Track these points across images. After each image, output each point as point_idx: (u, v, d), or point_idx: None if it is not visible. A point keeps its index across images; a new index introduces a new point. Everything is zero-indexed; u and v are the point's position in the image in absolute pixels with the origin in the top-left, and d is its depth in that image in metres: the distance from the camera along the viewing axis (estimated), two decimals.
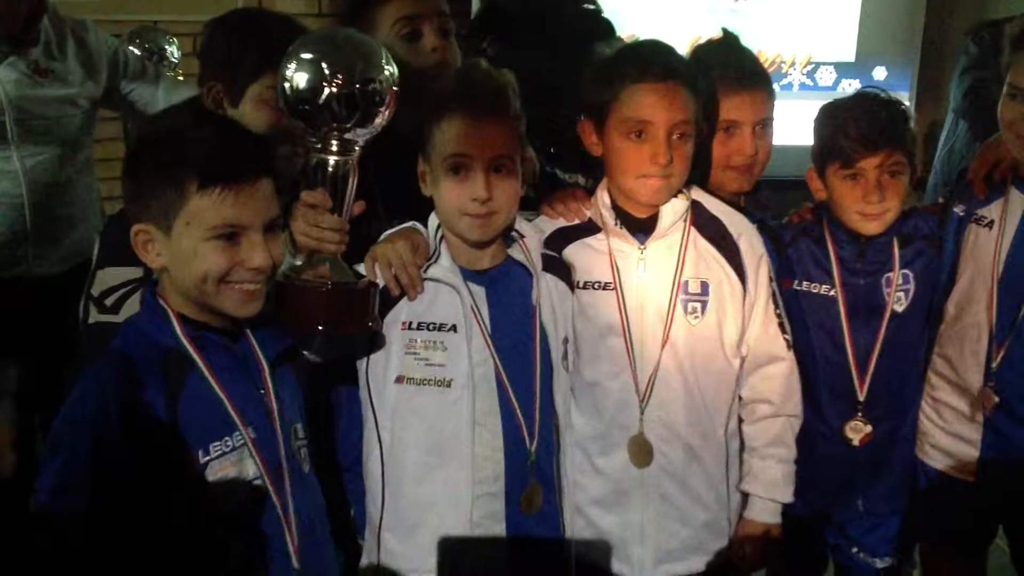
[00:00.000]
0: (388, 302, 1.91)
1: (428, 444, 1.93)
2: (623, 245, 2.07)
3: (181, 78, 3.67)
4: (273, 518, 1.67)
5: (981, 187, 2.38)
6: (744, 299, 2.09)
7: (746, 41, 2.48)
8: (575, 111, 2.11)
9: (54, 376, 2.30)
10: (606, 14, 2.87)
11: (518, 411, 1.93)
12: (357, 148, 1.75)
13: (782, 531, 2.18)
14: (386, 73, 1.72)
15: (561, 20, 2.74)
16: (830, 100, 2.38)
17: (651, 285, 2.06)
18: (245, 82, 2.05)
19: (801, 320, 2.27)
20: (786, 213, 2.46)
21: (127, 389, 1.55)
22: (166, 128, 1.68)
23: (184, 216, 1.57)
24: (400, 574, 1.97)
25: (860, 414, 2.33)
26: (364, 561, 2.03)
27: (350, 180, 1.76)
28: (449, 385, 1.90)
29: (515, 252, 1.99)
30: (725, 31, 2.45)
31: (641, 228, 2.07)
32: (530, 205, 2.14)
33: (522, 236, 2.01)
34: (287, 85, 1.69)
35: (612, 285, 2.06)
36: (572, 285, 2.07)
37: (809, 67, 5.66)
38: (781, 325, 2.17)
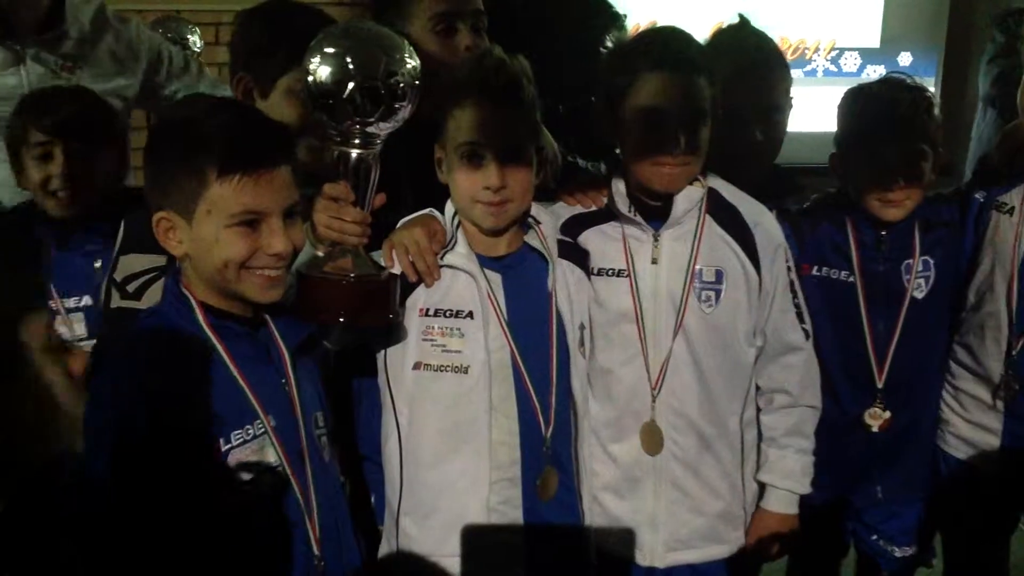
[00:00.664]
0: (405, 289, 1.92)
1: (445, 430, 1.94)
2: (637, 232, 2.08)
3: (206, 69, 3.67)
4: (294, 505, 1.69)
5: (1004, 173, 2.36)
6: (760, 288, 2.09)
7: (770, 27, 2.47)
8: (583, 100, 2.11)
9: None
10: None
11: (534, 397, 1.94)
12: (379, 141, 1.76)
13: (799, 522, 2.18)
14: (409, 67, 1.72)
15: (565, 9, 2.73)
16: (851, 87, 2.38)
17: (665, 273, 2.06)
18: (275, 74, 2.06)
19: (820, 306, 2.26)
20: (809, 200, 2.44)
21: (150, 377, 1.57)
22: (184, 115, 1.69)
23: (204, 204, 1.59)
24: (418, 558, 1.99)
25: (879, 401, 2.32)
26: (383, 546, 2.05)
27: (372, 173, 1.77)
28: (466, 371, 1.92)
29: (531, 239, 2.00)
30: (741, 17, 2.44)
31: (656, 216, 2.07)
32: (549, 196, 2.14)
33: (538, 222, 2.01)
34: (310, 79, 1.69)
35: (626, 272, 2.06)
36: (588, 271, 2.07)
37: (834, 53, 5.62)
38: (799, 315, 2.16)
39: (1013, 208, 2.34)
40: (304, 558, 1.70)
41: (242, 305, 1.68)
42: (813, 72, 5.52)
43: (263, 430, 1.65)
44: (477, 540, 1.94)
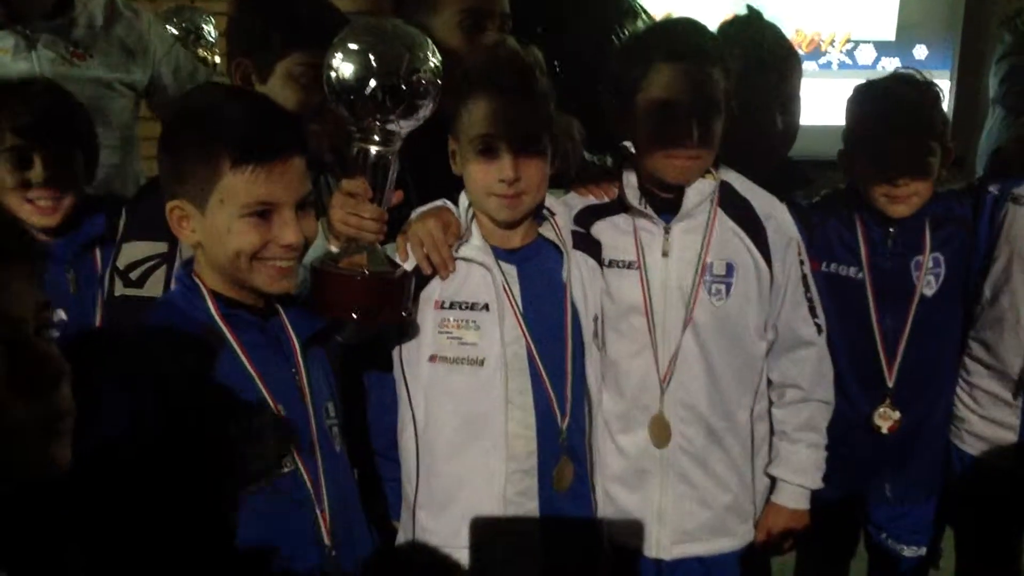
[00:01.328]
0: (420, 281, 1.93)
1: (461, 422, 1.95)
2: (648, 225, 2.08)
3: (218, 59, 3.66)
4: (304, 494, 1.68)
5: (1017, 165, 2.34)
6: (771, 282, 2.08)
7: (785, 19, 2.47)
8: (597, 92, 2.10)
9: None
10: None
11: (550, 389, 1.94)
12: (399, 139, 1.76)
13: (809, 517, 2.18)
14: (431, 65, 1.72)
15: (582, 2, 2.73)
16: (859, 83, 2.37)
17: (675, 266, 2.06)
18: (273, 59, 2.06)
19: (828, 303, 2.25)
20: (818, 195, 2.44)
21: (163, 367, 1.57)
22: (201, 104, 1.69)
23: (218, 193, 1.59)
24: (434, 550, 1.99)
25: (888, 400, 2.31)
26: (400, 538, 2.06)
27: (391, 170, 1.77)
28: (482, 364, 1.92)
29: (546, 230, 2.00)
30: (750, 8, 2.44)
31: (667, 208, 2.07)
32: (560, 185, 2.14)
33: (553, 214, 2.01)
34: (332, 75, 1.69)
35: (636, 264, 2.06)
36: (601, 263, 2.07)
37: (848, 45, 5.58)
38: (812, 309, 2.15)
39: None
40: (315, 547, 1.70)
41: (253, 295, 1.68)
42: (828, 65, 5.48)
43: (273, 420, 1.65)
44: (493, 531, 1.95)
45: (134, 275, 1.99)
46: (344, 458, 1.82)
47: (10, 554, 1.16)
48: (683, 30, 2.05)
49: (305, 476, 1.68)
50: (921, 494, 2.43)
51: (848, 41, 5.58)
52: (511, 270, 1.95)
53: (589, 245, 2.06)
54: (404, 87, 1.68)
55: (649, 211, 2.07)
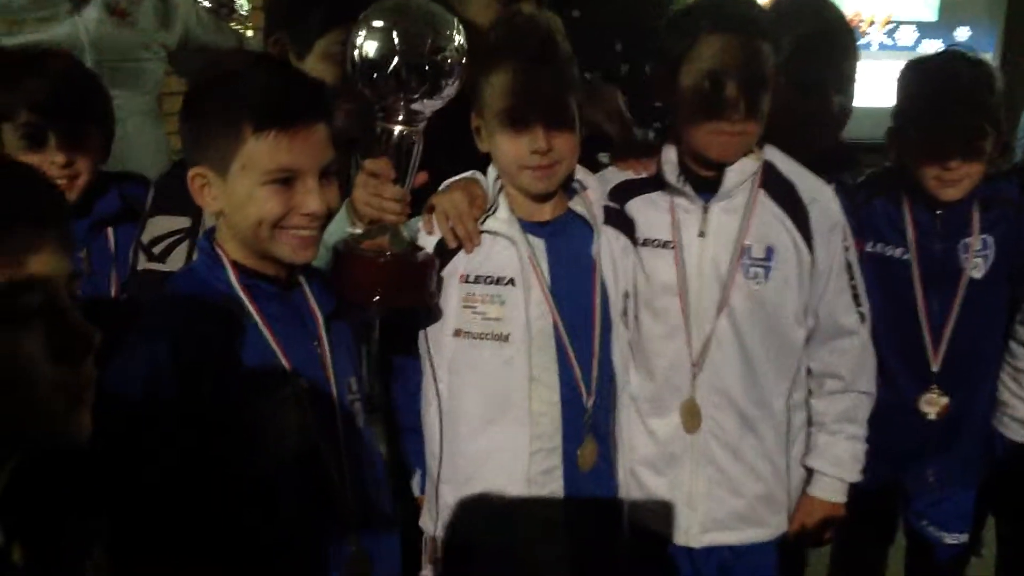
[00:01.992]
0: (445, 255, 1.90)
1: (485, 399, 1.92)
2: (686, 203, 2.02)
3: (251, 32, 3.63)
4: (324, 469, 1.66)
5: None
6: (812, 267, 2.03)
7: None
8: (634, 72, 2.06)
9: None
10: None
11: (576, 366, 1.91)
12: (423, 118, 1.73)
13: (846, 510, 2.13)
14: (456, 44, 1.69)
15: None
16: (911, 59, 2.31)
17: (712, 246, 2.01)
18: (312, 37, 2.03)
19: (873, 285, 2.19)
20: (865, 175, 2.39)
21: (180, 337, 1.55)
22: (223, 70, 1.65)
23: (239, 160, 1.56)
24: (457, 526, 1.97)
25: (935, 385, 2.26)
26: (424, 515, 2.04)
27: (415, 150, 1.74)
28: (507, 339, 1.89)
29: (576, 204, 1.95)
30: None
31: (706, 187, 2.01)
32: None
33: (584, 187, 1.96)
34: (356, 52, 1.67)
35: (671, 244, 2.01)
36: (634, 241, 2.03)
37: (889, 26, 5.50)
38: (855, 297, 2.09)
39: None
40: (336, 523, 1.68)
41: (275, 266, 1.65)
42: (868, 46, 5.40)
43: (294, 393, 1.62)
44: (517, 510, 1.92)
45: (157, 250, 1.98)
46: (368, 434, 1.79)
47: (25, 525, 1.14)
48: (733, 1, 1.99)
49: (325, 450, 1.65)
50: (964, 480, 2.38)
51: (889, 22, 5.51)
52: (539, 243, 1.91)
53: (622, 222, 2.01)
54: (428, 66, 1.66)
55: (688, 189, 2.01)
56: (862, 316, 2.09)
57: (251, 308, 1.62)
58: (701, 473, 2.04)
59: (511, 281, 1.88)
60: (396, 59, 1.64)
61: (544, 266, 1.90)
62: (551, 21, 1.87)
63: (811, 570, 2.65)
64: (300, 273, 1.69)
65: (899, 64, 2.31)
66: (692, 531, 2.06)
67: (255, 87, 1.57)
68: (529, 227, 1.92)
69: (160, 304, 1.65)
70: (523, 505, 1.91)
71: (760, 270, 2.00)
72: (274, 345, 1.62)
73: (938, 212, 2.23)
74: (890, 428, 2.21)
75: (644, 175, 2.06)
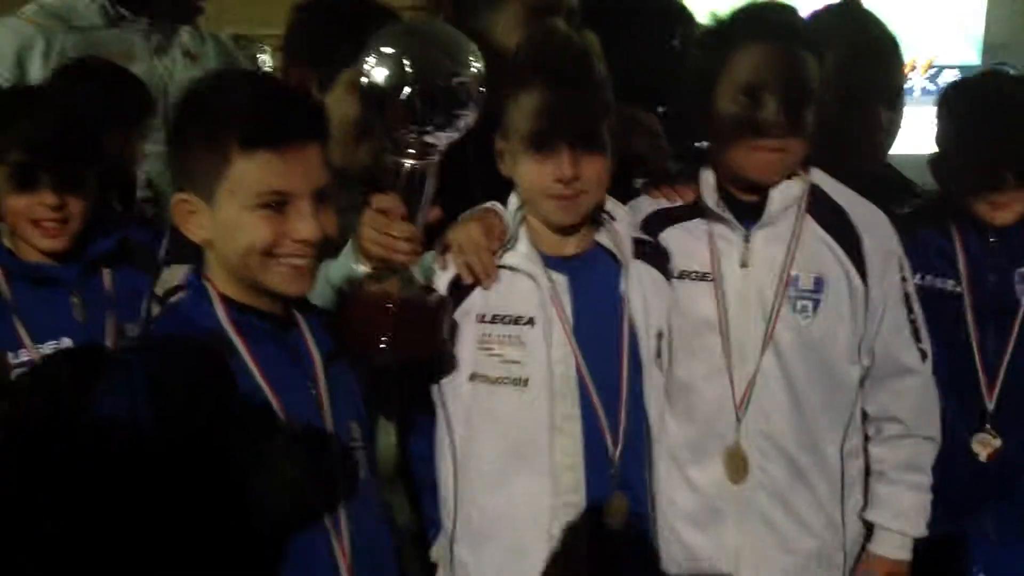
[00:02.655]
0: (460, 292, 1.77)
1: (503, 449, 1.79)
2: (726, 231, 1.87)
3: None
4: (320, 532, 1.52)
5: None
6: (866, 300, 1.87)
7: None
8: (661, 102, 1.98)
9: None
10: None
11: (601, 413, 1.77)
12: (437, 152, 1.62)
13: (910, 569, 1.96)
14: (473, 71, 1.58)
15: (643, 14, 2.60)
16: (951, 81, 2.23)
17: (755, 278, 1.86)
18: (336, 68, 1.94)
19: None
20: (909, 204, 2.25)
21: (159, 378, 1.41)
22: (208, 87, 1.55)
23: (227, 183, 1.45)
24: None
25: (988, 426, 2.09)
26: (439, 574, 1.90)
27: (427, 186, 1.63)
28: (525, 384, 1.76)
29: (602, 237, 1.82)
30: None
31: (748, 213, 1.86)
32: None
33: (612, 219, 1.83)
34: (364, 80, 1.57)
35: (711, 276, 1.87)
36: (668, 274, 1.88)
37: (931, 71, 5.40)
38: (915, 332, 1.94)
39: None
40: None
41: (269, 300, 1.53)
42: (910, 92, 5.28)
43: (285, 439, 1.50)
44: (539, 572, 1.78)
45: (173, 301, 1.87)
46: (371, 488, 1.65)
47: None
48: (773, 9, 1.88)
49: (320, 504, 1.51)
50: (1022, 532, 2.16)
51: (931, 66, 5.41)
52: (561, 280, 1.78)
53: (655, 255, 1.87)
54: (442, 95, 1.55)
55: (727, 215, 1.86)
56: (923, 353, 1.93)
57: (240, 346, 1.49)
58: (748, 528, 1.88)
59: (530, 321, 1.76)
60: (407, 88, 1.53)
61: (567, 304, 1.77)
62: (588, 41, 1.77)
63: None
64: (297, 309, 1.57)
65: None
66: None
67: (242, 102, 1.46)
68: (551, 262, 1.79)
69: (139, 344, 1.57)
70: (545, 566, 1.77)
71: (808, 303, 1.85)
72: (265, 387, 1.50)
73: (991, 240, 2.09)
74: (944, 473, 2.03)
75: (679, 203, 1.92)
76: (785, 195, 1.85)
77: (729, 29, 1.86)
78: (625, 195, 1.94)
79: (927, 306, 2.04)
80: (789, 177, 1.85)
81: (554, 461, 1.75)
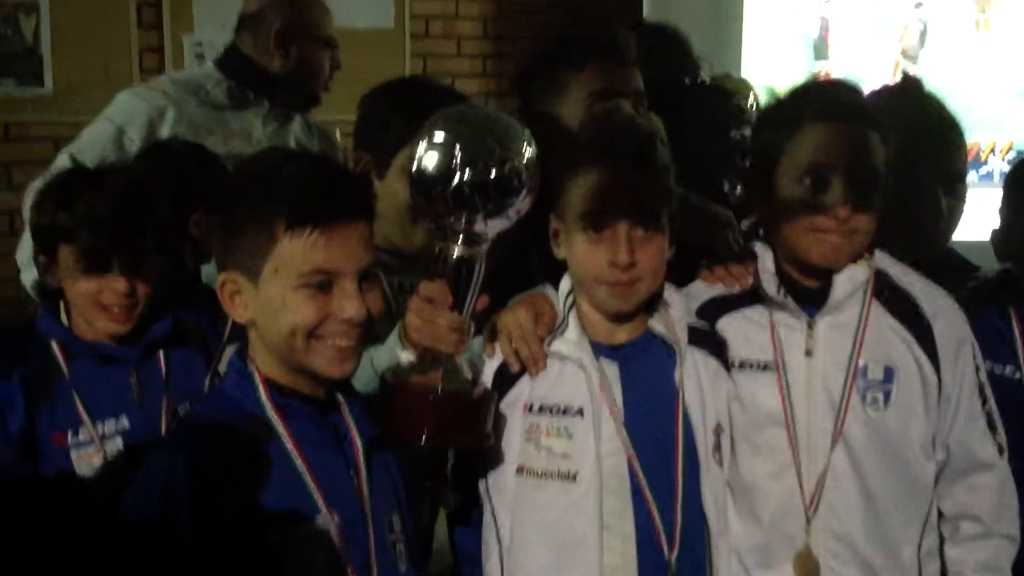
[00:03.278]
0: (508, 380, 1.70)
1: (551, 547, 1.68)
2: (788, 319, 1.78)
3: None
4: None
5: None
6: (939, 391, 1.76)
7: None
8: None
9: None
10: None
11: (655, 512, 1.66)
12: (486, 240, 1.59)
13: None
14: (525, 158, 1.55)
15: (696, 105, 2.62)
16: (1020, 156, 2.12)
17: (821, 368, 1.76)
18: (393, 150, 1.95)
19: None
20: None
21: (199, 461, 1.41)
22: (256, 166, 1.56)
23: (272, 261, 1.44)
24: None
25: None
26: None
27: (475, 274, 1.59)
28: (574, 479, 1.67)
29: (657, 323, 1.73)
30: (906, 76, 2.19)
31: (811, 299, 1.78)
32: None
33: (667, 305, 1.75)
34: (414, 167, 1.56)
35: (773, 365, 1.76)
36: (727, 364, 1.79)
37: (1011, 154, 5.28)
38: (991, 425, 1.82)
39: None
40: None
41: (312, 383, 1.50)
42: (990, 176, 5.15)
43: (324, 527, 1.45)
44: None
45: (217, 383, 1.85)
46: None
47: None
48: (838, 88, 1.83)
49: None
50: None
51: (1011, 149, 5.28)
52: (612, 369, 1.70)
53: (711, 343, 1.78)
54: (492, 183, 1.52)
55: (789, 302, 1.77)
56: (1000, 447, 1.81)
57: (282, 429, 1.47)
58: None
59: (579, 411, 1.67)
60: (456, 176, 1.51)
61: (617, 395, 1.69)
62: (653, 124, 1.74)
63: None
64: (340, 392, 1.54)
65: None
66: None
67: (289, 181, 1.45)
68: (602, 350, 1.71)
69: (181, 425, 1.55)
70: None
71: (879, 394, 1.74)
72: (305, 472, 1.46)
73: None
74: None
75: (736, 288, 1.84)
76: (850, 280, 1.76)
77: (791, 107, 1.80)
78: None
79: None
80: (854, 261, 1.76)
81: (604, 562, 1.65)
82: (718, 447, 1.74)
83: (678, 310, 1.76)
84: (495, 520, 1.72)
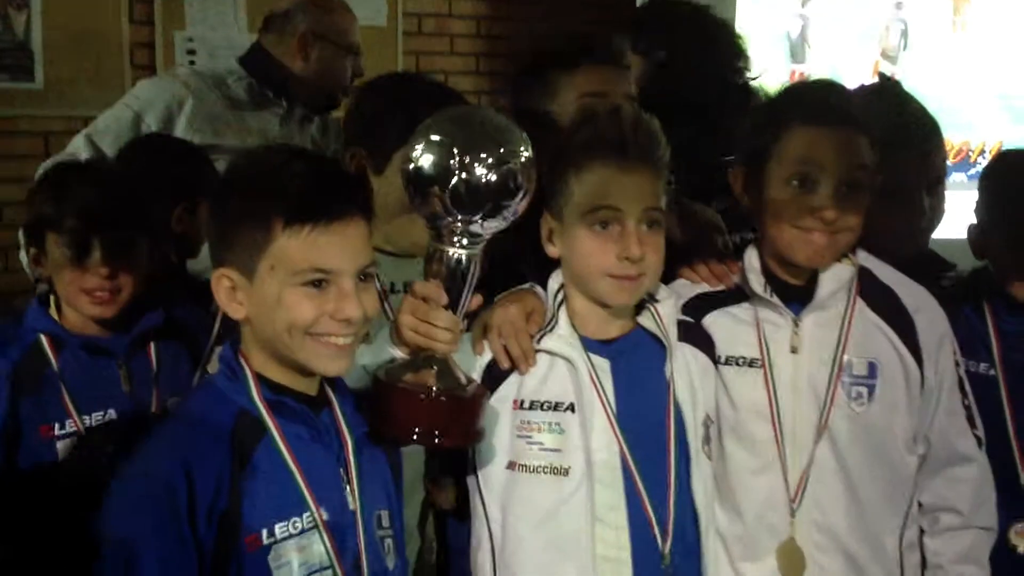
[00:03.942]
0: (497, 377, 1.72)
1: (544, 543, 1.70)
2: (774, 316, 1.81)
3: None
4: None
5: None
6: (922, 385, 1.80)
7: None
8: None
9: None
10: None
11: (648, 504, 1.68)
12: (482, 241, 1.59)
13: None
14: (522, 160, 1.55)
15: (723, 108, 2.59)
16: (995, 155, 2.16)
17: (807, 364, 1.79)
18: (390, 148, 1.93)
19: None
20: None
21: (184, 458, 1.40)
22: (252, 162, 1.55)
23: (269, 258, 1.43)
24: None
25: None
26: None
27: (470, 274, 1.59)
28: (566, 473, 1.68)
29: (646, 320, 1.75)
30: (883, 77, 2.22)
31: (796, 297, 1.80)
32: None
33: (656, 301, 1.76)
34: (411, 167, 1.55)
35: (760, 362, 1.79)
36: (715, 359, 1.81)
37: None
38: (970, 419, 1.86)
39: None
40: None
41: (304, 379, 1.50)
42: (977, 175, 5.20)
43: (312, 524, 1.45)
44: None
45: (208, 377, 1.85)
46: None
47: None
48: (825, 90, 1.85)
49: None
50: None
51: (1000, 150, 5.34)
52: (603, 364, 1.71)
53: (700, 338, 1.80)
54: (488, 184, 1.52)
55: (775, 300, 1.80)
56: (979, 440, 1.86)
57: (271, 425, 1.46)
58: None
59: (570, 407, 1.69)
60: (454, 177, 1.51)
61: (609, 390, 1.70)
62: (657, 124, 1.73)
63: None
64: (331, 388, 1.54)
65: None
66: None
67: (287, 178, 1.44)
68: (592, 346, 1.72)
69: (171, 421, 1.52)
70: None
71: (863, 389, 1.77)
72: (293, 468, 1.46)
73: None
74: None
75: (719, 285, 1.87)
76: (835, 278, 1.79)
77: (777, 109, 1.83)
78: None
79: None
80: (838, 260, 1.79)
81: (597, 554, 1.66)
82: (708, 440, 1.76)
83: (667, 305, 1.77)
84: (486, 514, 1.73)
